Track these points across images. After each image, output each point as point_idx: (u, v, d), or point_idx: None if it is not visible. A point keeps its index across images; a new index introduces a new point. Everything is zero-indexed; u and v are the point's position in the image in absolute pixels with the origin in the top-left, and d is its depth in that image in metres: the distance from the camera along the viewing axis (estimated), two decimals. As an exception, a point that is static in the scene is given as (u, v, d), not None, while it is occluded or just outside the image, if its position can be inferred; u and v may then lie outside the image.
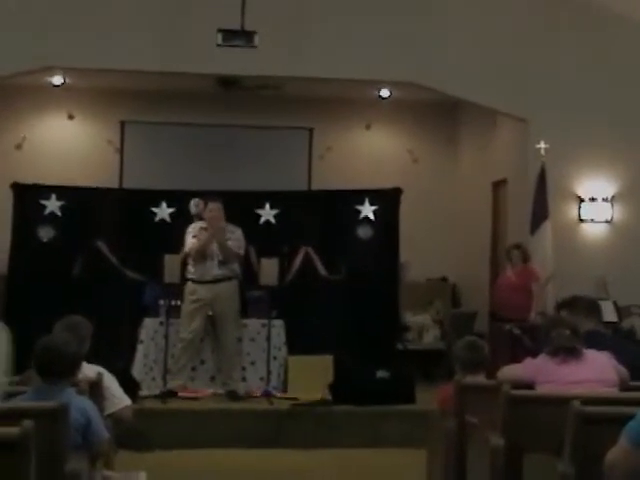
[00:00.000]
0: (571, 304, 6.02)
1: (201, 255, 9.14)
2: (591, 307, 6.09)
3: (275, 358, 9.45)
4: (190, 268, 9.22)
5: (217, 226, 9.14)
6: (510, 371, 5.58)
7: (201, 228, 9.27)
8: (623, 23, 10.72)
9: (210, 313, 9.20)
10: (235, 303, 9.34)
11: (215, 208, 9.22)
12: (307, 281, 10.08)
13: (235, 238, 9.31)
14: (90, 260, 9.96)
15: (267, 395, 9.04)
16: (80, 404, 4.51)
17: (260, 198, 10.37)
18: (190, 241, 9.20)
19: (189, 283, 9.23)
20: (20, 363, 5.40)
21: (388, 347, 10.13)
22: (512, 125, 11.43)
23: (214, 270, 9.19)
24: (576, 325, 5.45)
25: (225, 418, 8.60)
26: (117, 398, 5.56)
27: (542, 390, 5.21)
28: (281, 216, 10.28)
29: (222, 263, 9.20)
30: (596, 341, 5.59)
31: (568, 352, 5.27)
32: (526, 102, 10.75)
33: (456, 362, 6.00)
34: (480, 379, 5.80)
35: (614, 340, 6.42)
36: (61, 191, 10.21)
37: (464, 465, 5.58)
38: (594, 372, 5.23)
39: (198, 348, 9.31)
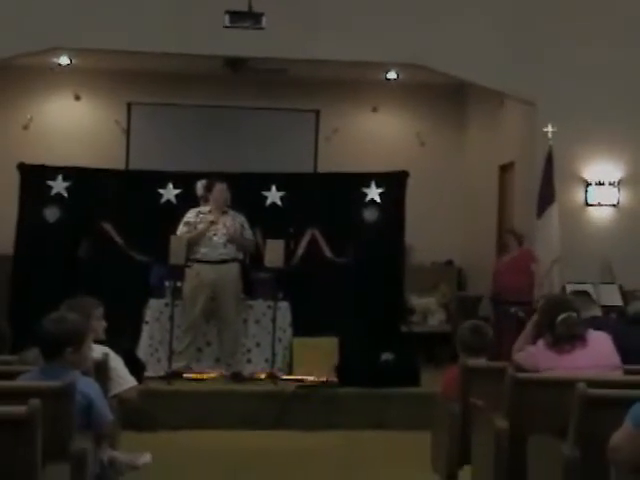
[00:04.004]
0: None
1: (195, 243, 9.16)
2: (587, 298, 6.11)
3: (280, 340, 9.44)
4: (195, 248, 9.21)
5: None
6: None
7: (199, 213, 9.29)
8: (635, 6, 10.67)
9: (212, 294, 9.20)
10: (238, 285, 9.33)
11: (222, 189, 9.26)
12: (313, 263, 10.06)
13: (247, 226, 9.37)
14: (96, 241, 9.96)
15: (272, 377, 9.06)
16: (84, 386, 4.51)
17: (266, 180, 10.34)
18: (182, 229, 9.22)
19: (194, 264, 9.22)
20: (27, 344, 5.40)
21: (393, 329, 10.13)
22: (520, 108, 11.39)
23: (219, 249, 9.20)
24: (579, 307, 5.45)
25: (230, 399, 8.62)
26: (122, 379, 5.57)
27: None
28: (287, 198, 10.24)
29: (228, 242, 9.21)
30: (598, 327, 5.59)
31: (569, 340, 5.25)
32: (534, 85, 10.70)
33: (459, 345, 6.00)
34: (482, 362, 5.81)
35: (617, 325, 6.42)
36: (67, 172, 10.18)
37: (468, 447, 5.59)
38: (596, 358, 5.22)
39: (201, 329, 9.32)
